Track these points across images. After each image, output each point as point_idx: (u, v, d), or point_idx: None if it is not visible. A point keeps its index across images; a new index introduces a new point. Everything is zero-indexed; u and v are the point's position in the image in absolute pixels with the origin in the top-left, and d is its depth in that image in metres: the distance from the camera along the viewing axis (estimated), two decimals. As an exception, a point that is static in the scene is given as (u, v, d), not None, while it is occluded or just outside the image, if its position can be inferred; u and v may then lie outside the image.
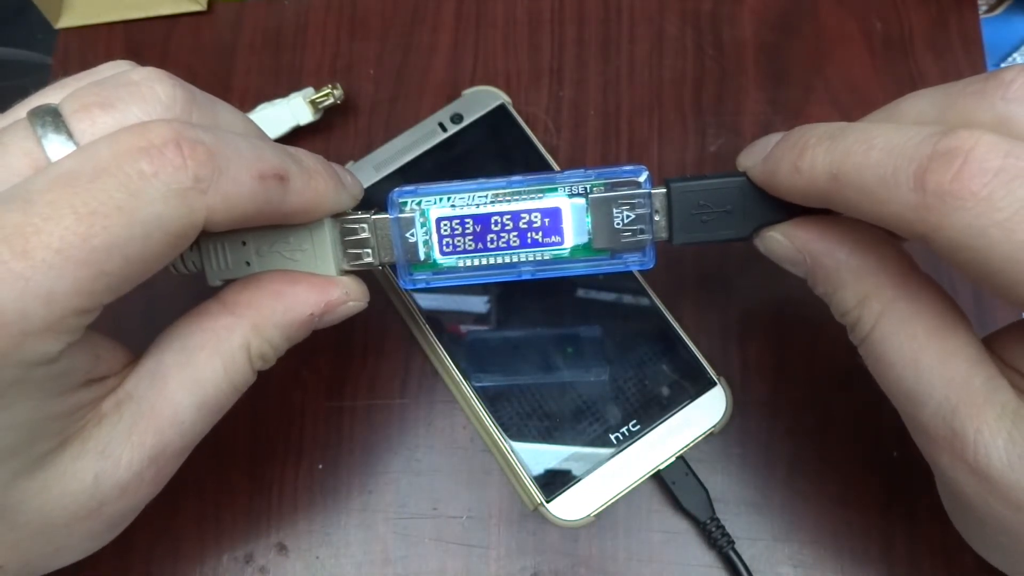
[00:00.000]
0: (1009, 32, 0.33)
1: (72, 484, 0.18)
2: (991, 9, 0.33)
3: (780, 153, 0.20)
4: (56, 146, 0.17)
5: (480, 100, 0.31)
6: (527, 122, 0.31)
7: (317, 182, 0.20)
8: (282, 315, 0.21)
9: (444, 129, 0.30)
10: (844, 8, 0.32)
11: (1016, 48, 0.34)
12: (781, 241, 0.21)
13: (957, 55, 0.31)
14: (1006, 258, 0.15)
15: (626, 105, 0.32)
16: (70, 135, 0.18)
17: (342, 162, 0.30)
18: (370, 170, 0.30)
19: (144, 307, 0.28)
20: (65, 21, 0.34)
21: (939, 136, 0.16)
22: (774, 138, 0.21)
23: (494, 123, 0.31)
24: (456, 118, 0.30)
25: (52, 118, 0.18)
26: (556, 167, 0.30)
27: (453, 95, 0.32)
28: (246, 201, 0.18)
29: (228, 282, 0.22)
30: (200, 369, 0.20)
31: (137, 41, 0.34)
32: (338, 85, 0.31)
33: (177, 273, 0.22)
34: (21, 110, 0.19)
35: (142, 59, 0.34)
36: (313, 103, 0.31)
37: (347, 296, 0.21)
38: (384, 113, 0.32)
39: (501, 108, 0.31)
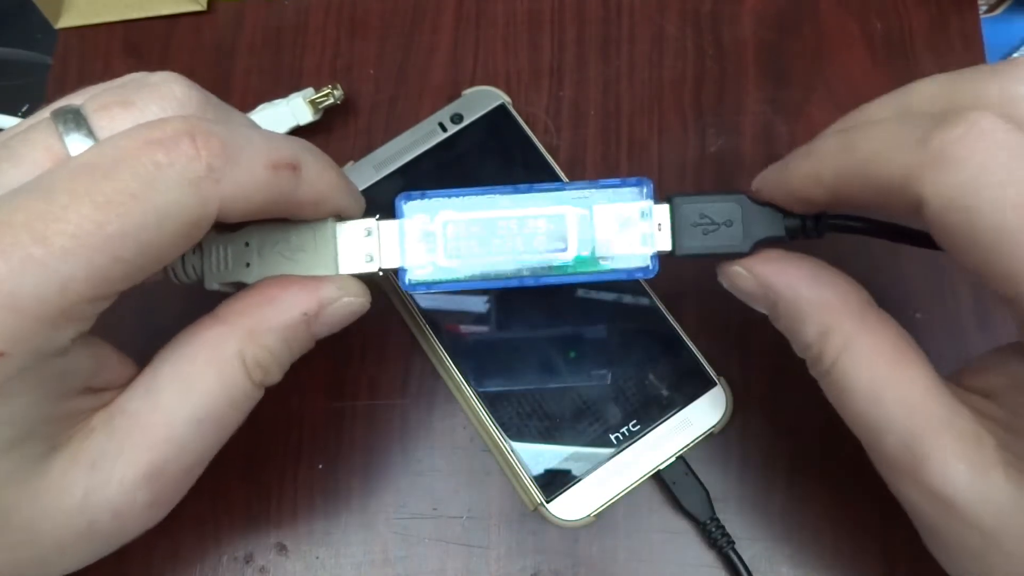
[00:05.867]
0: (1009, 32, 0.33)
1: (62, 499, 0.18)
2: (991, 9, 0.34)
3: (794, 152, 0.20)
4: (77, 142, 0.18)
5: (480, 100, 0.31)
6: (527, 122, 0.31)
7: (329, 174, 0.21)
8: (275, 318, 0.20)
9: (444, 129, 0.30)
10: (844, 8, 0.32)
11: (1016, 48, 0.34)
12: (743, 275, 0.22)
13: (957, 55, 0.31)
14: (991, 224, 0.16)
15: (626, 105, 0.32)
16: (90, 131, 0.18)
17: (342, 162, 0.30)
18: (370, 170, 0.30)
19: (139, 320, 0.28)
20: (65, 21, 0.34)
21: (947, 112, 0.17)
22: None
23: (494, 123, 0.31)
24: (456, 118, 0.30)
25: (74, 116, 0.19)
26: (556, 167, 0.30)
27: (453, 95, 0.32)
28: (259, 190, 0.18)
29: (225, 286, 0.22)
30: (193, 380, 0.19)
31: (137, 41, 0.34)
32: (338, 85, 0.31)
33: (178, 282, 0.22)
34: (45, 112, 0.19)
35: (142, 59, 0.34)
36: (313, 103, 0.31)
37: (341, 292, 0.21)
38: (384, 113, 0.32)
39: (501, 108, 0.31)
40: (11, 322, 0.15)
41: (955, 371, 0.21)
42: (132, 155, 0.17)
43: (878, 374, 0.19)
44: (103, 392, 0.19)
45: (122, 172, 0.16)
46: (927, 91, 0.19)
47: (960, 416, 0.18)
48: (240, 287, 0.22)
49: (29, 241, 0.15)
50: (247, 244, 0.21)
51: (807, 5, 0.32)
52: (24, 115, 0.33)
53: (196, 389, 0.19)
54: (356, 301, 0.22)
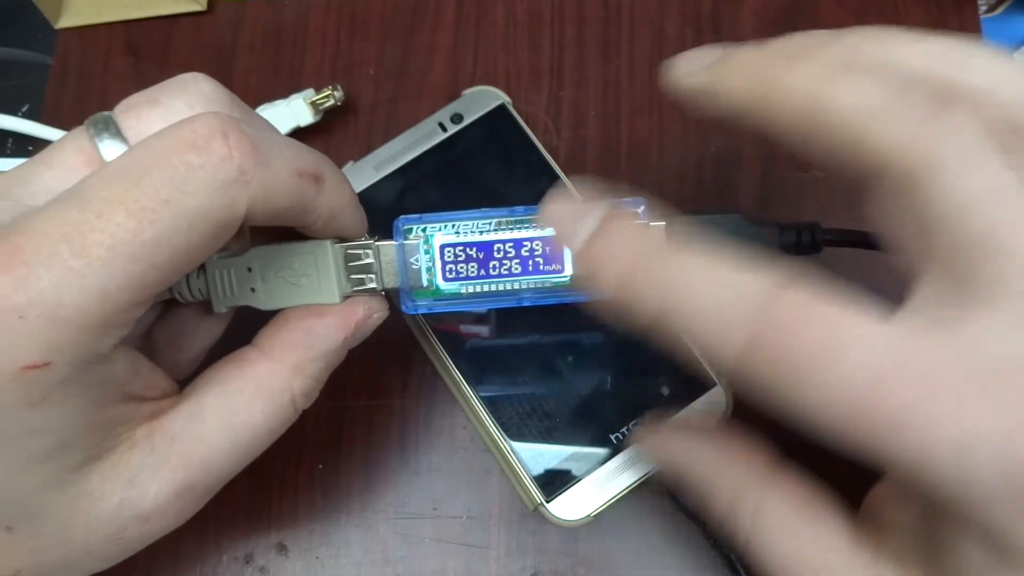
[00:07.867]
0: (1009, 32, 0.34)
1: (97, 506, 0.18)
2: (991, 9, 0.34)
3: (736, 59, 0.20)
4: (108, 145, 0.19)
5: (480, 100, 0.31)
6: (527, 122, 0.31)
7: (345, 190, 0.21)
8: (319, 348, 0.21)
9: (444, 129, 0.30)
10: (844, 8, 0.32)
11: (1016, 48, 0.34)
12: (649, 456, 0.22)
13: (957, 55, 0.31)
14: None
15: (626, 105, 0.32)
16: (118, 131, 0.19)
17: (342, 162, 0.30)
18: (370, 170, 0.30)
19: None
20: (65, 21, 0.34)
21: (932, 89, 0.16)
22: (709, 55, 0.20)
23: (494, 123, 0.31)
24: (456, 118, 0.30)
25: (104, 120, 0.19)
26: (556, 167, 0.30)
27: (453, 95, 0.32)
28: (284, 196, 0.19)
29: (233, 309, 0.22)
30: (239, 413, 0.20)
31: (137, 41, 0.34)
32: (339, 87, 0.31)
33: (184, 301, 0.22)
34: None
35: (142, 59, 0.34)
36: (313, 105, 0.31)
37: (370, 310, 0.22)
38: (384, 113, 0.32)
39: (501, 108, 0.31)
40: (54, 333, 0.16)
41: (866, 501, 0.20)
42: (163, 158, 0.17)
43: (791, 548, 0.19)
44: (142, 402, 0.19)
45: (154, 177, 0.16)
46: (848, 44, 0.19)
47: (882, 570, 0.18)
48: (249, 309, 0.22)
49: (68, 253, 0.16)
50: (249, 269, 0.22)
51: (807, 5, 0.32)
52: (24, 115, 0.33)
53: (240, 421, 0.20)
54: (381, 315, 0.23)
